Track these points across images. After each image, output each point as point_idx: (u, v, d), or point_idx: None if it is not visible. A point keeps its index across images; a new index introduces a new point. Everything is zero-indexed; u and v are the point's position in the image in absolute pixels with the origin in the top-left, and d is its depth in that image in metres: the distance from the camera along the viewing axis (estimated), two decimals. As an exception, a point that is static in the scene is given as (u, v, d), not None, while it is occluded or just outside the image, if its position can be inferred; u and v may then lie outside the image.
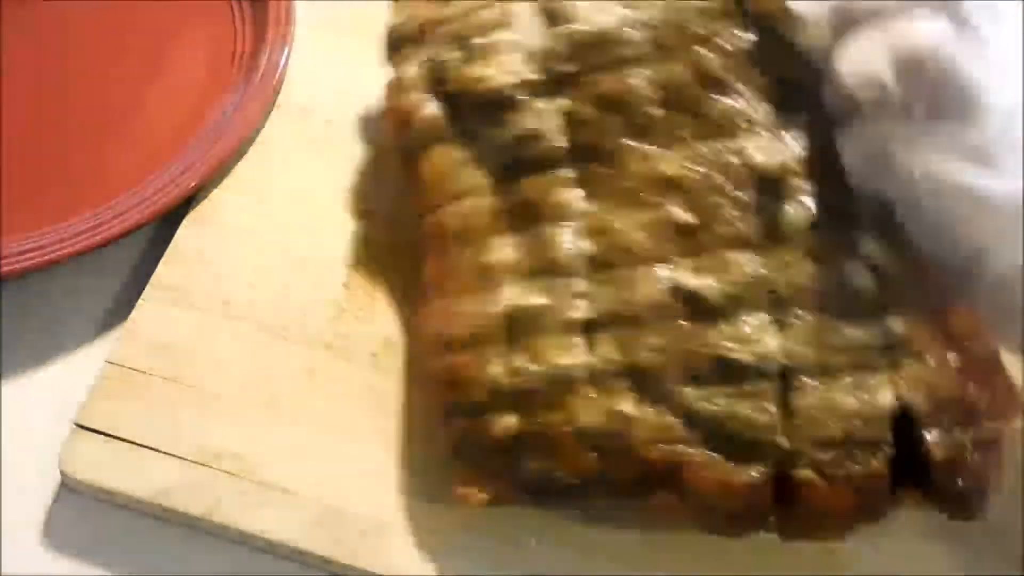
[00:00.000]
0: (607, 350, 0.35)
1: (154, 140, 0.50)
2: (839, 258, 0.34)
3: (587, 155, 0.37)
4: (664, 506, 0.35)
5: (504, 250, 0.37)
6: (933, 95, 0.31)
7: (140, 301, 0.43)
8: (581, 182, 0.37)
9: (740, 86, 0.36)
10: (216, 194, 0.47)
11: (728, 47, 0.36)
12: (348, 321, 0.44)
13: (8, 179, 0.48)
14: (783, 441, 0.33)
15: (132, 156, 0.49)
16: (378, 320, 0.44)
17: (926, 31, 0.31)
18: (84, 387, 0.41)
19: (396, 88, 0.42)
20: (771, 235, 0.35)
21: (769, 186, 0.35)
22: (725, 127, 0.36)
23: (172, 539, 0.40)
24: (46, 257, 0.44)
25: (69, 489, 0.40)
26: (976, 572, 0.40)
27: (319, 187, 0.48)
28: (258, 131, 0.49)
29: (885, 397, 0.33)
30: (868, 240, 0.35)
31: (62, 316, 0.46)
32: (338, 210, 0.47)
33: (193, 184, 0.46)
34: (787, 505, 0.34)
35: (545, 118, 0.38)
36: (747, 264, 0.34)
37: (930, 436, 0.33)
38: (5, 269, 0.43)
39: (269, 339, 0.43)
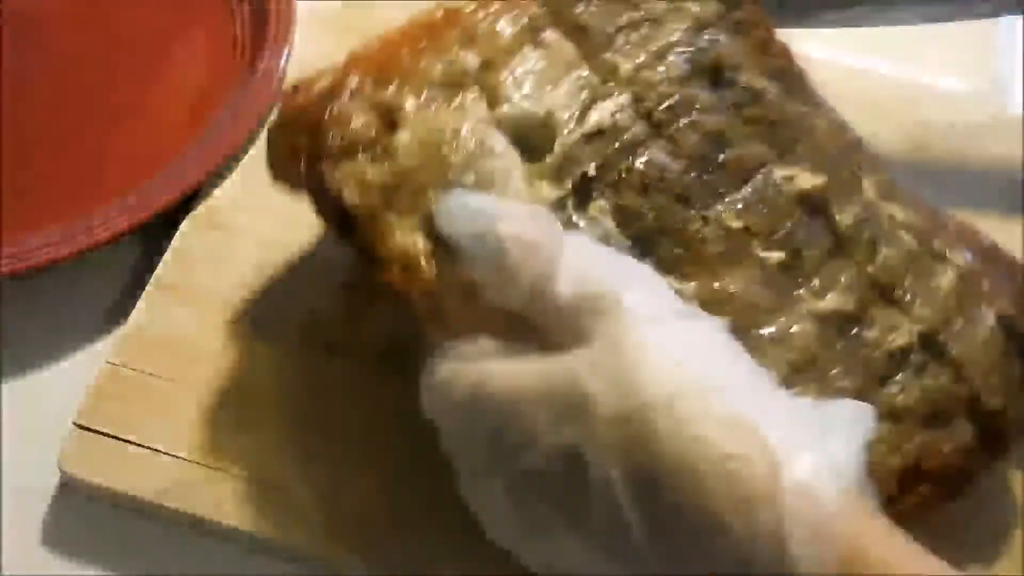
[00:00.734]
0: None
1: (154, 140, 0.50)
2: None
3: (654, 242, 0.37)
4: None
5: None
6: None
7: (140, 301, 0.43)
8: (666, 268, 0.36)
9: (740, 126, 0.38)
10: (216, 194, 0.47)
11: (709, 104, 0.38)
12: (348, 321, 0.44)
13: (8, 178, 0.48)
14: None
15: (132, 156, 0.49)
16: (378, 320, 0.44)
17: None
18: (84, 387, 0.41)
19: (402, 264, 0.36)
20: (838, 242, 0.38)
21: (816, 202, 0.38)
22: (751, 166, 0.38)
23: (172, 539, 0.40)
24: (46, 257, 0.44)
25: (69, 489, 0.40)
26: (976, 572, 0.40)
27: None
28: (258, 131, 0.49)
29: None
30: None
31: (62, 316, 0.46)
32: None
33: (193, 184, 0.46)
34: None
35: (595, 228, 0.36)
36: (844, 270, 0.37)
37: None
38: (5, 269, 0.43)
39: (269, 339, 0.43)
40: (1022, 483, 0.42)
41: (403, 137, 0.35)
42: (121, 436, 0.40)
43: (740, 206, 0.37)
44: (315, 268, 0.45)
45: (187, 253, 0.45)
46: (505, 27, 0.37)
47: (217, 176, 0.47)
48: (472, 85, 0.36)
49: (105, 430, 0.40)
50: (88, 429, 0.40)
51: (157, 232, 0.46)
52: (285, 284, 0.45)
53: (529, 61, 0.37)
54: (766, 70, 0.39)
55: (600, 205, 0.37)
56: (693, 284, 0.36)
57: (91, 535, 0.40)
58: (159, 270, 0.44)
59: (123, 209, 0.46)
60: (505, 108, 0.36)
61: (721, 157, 0.38)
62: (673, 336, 0.30)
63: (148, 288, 0.44)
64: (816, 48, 0.44)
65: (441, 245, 0.33)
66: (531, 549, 0.31)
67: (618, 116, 0.37)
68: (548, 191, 0.36)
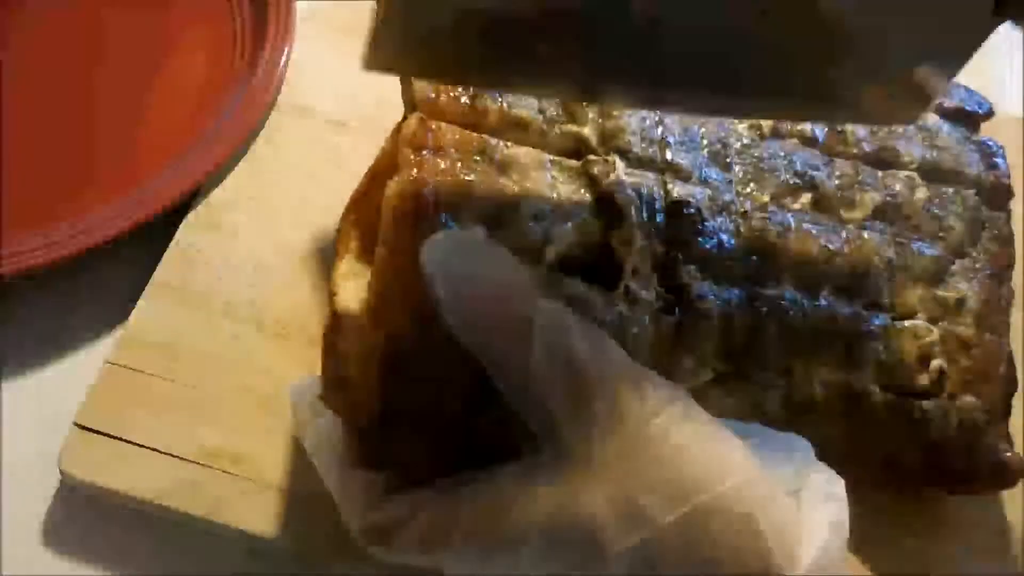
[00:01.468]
0: None
1: (154, 140, 0.50)
2: None
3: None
4: None
5: None
6: None
7: (140, 301, 0.43)
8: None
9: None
10: (216, 194, 0.47)
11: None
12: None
13: (9, 178, 0.48)
14: None
15: (132, 156, 0.49)
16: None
17: None
18: (84, 386, 0.41)
19: None
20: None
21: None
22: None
23: (172, 539, 0.40)
24: (46, 257, 0.44)
25: (69, 489, 0.40)
26: (976, 572, 0.40)
27: (319, 187, 0.48)
28: (258, 131, 0.49)
29: None
30: None
31: (62, 316, 0.46)
32: (338, 209, 0.47)
33: (193, 184, 0.46)
34: None
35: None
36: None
37: None
38: (6, 269, 0.43)
39: (269, 339, 0.43)
40: (1022, 482, 0.42)
41: None
42: (121, 436, 0.40)
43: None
44: (315, 267, 0.45)
45: (187, 253, 0.45)
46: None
47: (217, 176, 0.47)
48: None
49: (105, 430, 0.40)
50: (88, 429, 0.40)
51: (157, 232, 0.46)
52: (285, 284, 0.45)
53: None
54: None
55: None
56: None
57: (91, 535, 0.40)
58: (159, 270, 0.44)
59: (123, 209, 0.46)
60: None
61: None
62: (667, 436, 0.29)
63: (148, 288, 0.44)
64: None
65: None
66: None
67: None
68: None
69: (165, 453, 0.40)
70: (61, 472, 0.39)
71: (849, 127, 0.41)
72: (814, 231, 0.38)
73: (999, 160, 0.43)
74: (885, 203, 0.40)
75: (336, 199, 0.47)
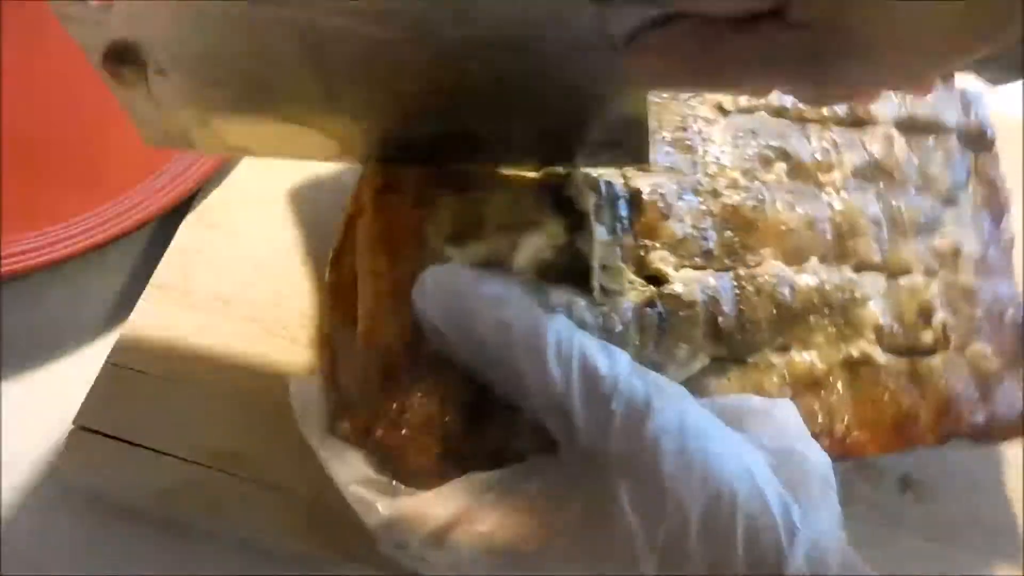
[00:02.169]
0: None
1: (154, 140, 0.50)
2: None
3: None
4: None
5: None
6: None
7: (140, 301, 0.43)
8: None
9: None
10: (216, 194, 0.47)
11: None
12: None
13: (8, 179, 0.48)
14: None
15: (132, 156, 0.49)
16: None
17: None
18: (84, 387, 0.41)
19: None
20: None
21: None
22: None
23: (172, 539, 0.40)
24: (46, 257, 0.44)
25: (69, 489, 0.40)
26: (976, 572, 0.40)
27: (319, 187, 0.48)
28: (258, 131, 0.49)
29: None
30: None
31: (62, 316, 0.46)
32: (338, 210, 0.47)
33: (193, 184, 0.46)
34: None
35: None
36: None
37: None
38: (5, 269, 0.43)
39: (269, 339, 0.43)
40: (1022, 482, 0.42)
41: None
42: (121, 436, 0.40)
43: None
44: (315, 267, 0.45)
45: (187, 253, 0.45)
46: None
47: (217, 176, 0.47)
48: None
49: (105, 430, 0.40)
50: (88, 429, 0.40)
51: (157, 232, 0.46)
52: (285, 284, 0.45)
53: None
54: None
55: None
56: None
57: (91, 535, 0.40)
58: (159, 270, 0.44)
59: (123, 209, 0.46)
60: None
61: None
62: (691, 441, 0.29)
63: (148, 288, 0.44)
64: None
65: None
66: None
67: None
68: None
69: (165, 453, 0.40)
70: (61, 472, 0.39)
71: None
72: (791, 200, 0.37)
73: (977, 106, 0.43)
74: (865, 162, 0.39)
75: (337, 198, 0.47)
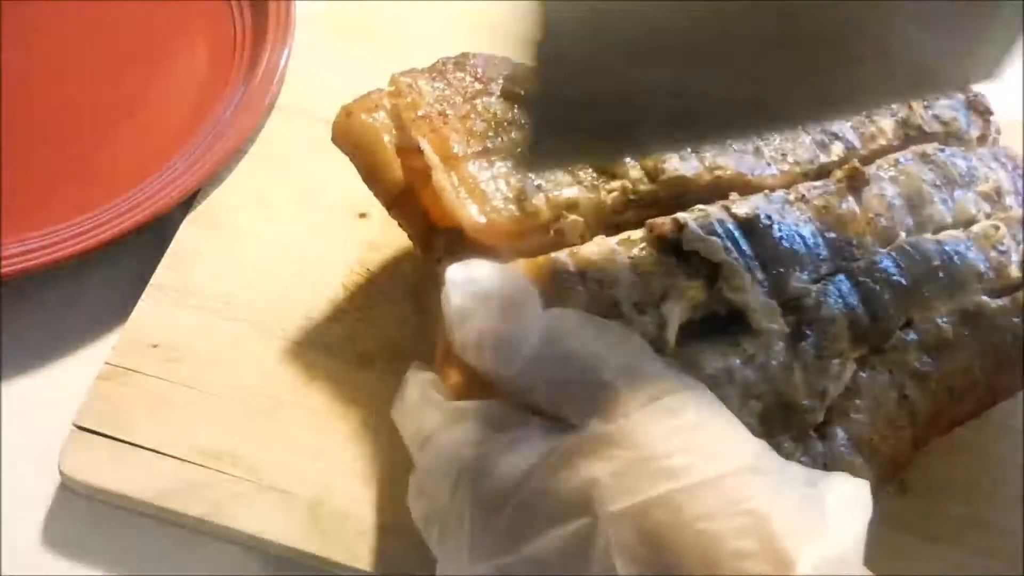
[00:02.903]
0: None
1: (154, 140, 0.50)
2: None
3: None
4: None
5: None
6: None
7: (140, 301, 0.43)
8: None
9: None
10: (216, 194, 0.47)
11: None
12: (348, 322, 0.44)
13: (9, 179, 0.48)
14: None
15: (132, 156, 0.49)
16: (377, 321, 0.44)
17: None
18: (84, 387, 0.41)
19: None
20: None
21: None
22: None
23: (171, 540, 0.40)
24: (46, 257, 0.44)
25: (69, 490, 0.40)
26: (976, 572, 0.40)
27: (319, 187, 0.48)
28: (258, 131, 0.49)
29: None
30: None
31: (62, 316, 0.46)
32: (338, 210, 0.47)
33: (193, 184, 0.46)
34: None
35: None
36: None
37: None
38: (5, 269, 0.43)
39: (269, 339, 0.43)
40: (1022, 482, 0.42)
41: None
42: (121, 437, 0.40)
43: None
44: (315, 268, 0.45)
45: (187, 253, 0.45)
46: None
47: (217, 176, 0.47)
48: None
49: (105, 431, 0.40)
50: (88, 430, 0.40)
51: (157, 232, 0.46)
52: (285, 284, 0.45)
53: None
54: None
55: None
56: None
57: (91, 535, 0.40)
58: (159, 270, 0.44)
59: (123, 209, 0.46)
60: None
61: None
62: (676, 415, 0.29)
63: (148, 288, 0.44)
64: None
65: None
66: None
67: None
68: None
69: (164, 454, 0.40)
70: (61, 473, 0.39)
71: None
72: (860, 183, 0.39)
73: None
74: (896, 123, 0.42)
75: (336, 199, 0.47)
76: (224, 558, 0.39)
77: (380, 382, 0.42)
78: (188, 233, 0.46)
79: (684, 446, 0.28)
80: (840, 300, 0.37)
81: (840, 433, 0.36)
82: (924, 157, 0.41)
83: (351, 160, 0.39)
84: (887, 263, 0.38)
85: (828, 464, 0.35)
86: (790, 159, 0.39)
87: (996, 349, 0.39)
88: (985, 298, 0.39)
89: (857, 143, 0.41)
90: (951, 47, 0.31)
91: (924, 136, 0.43)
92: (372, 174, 0.39)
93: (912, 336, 0.38)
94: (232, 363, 0.42)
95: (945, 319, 0.38)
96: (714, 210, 0.36)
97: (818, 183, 0.38)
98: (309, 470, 0.40)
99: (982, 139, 0.45)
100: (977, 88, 0.45)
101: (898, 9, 0.29)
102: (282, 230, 0.46)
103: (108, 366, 0.42)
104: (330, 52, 0.53)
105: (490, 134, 0.37)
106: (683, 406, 0.29)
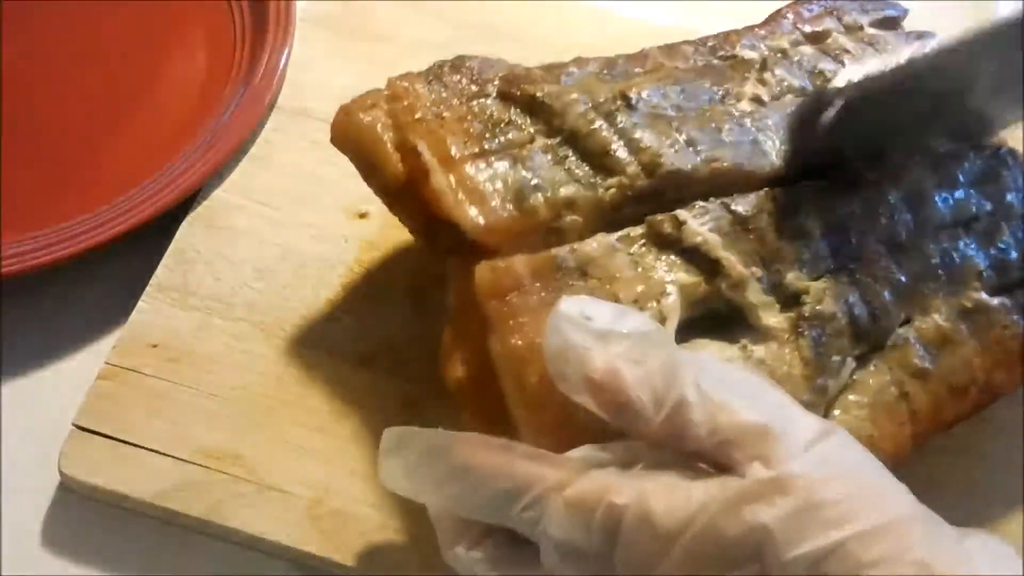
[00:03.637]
0: None
1: (154, 140, 0.50)
2: None
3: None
4: None
5: None
6: None
7: (140, 301, 0.43)
8: None
9: None
10: (216, 194, 0.47)
11: None
12: (348, 322, 0.44)
13: (8, 179, 0.48)
14: None
15: (132, 156, 0.49)
16: (376, 321, 0.44)
17: None
18: (84, 387, 0.41)
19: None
20: None
21: None
22: None
23: (171, 540, 0.40)
24: (46, 257, 0.44)
25: (69, 490, 0.40)
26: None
27: (319, 187, 0.48)
28: (258, 131, 0.49)
29: None
30: None
31: (62, 316, 0.46)
32: (338, 210, 0.47)
33: (193, 184, 0.46)
34: None
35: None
36: None
37: None
38: (5, 269, 0.43)
39: (269, 340, 0.43)
40: (1022, 481, 0.42)
41: None
42: (120, 437, 0.40)
43: None
44: (315, 268, 0.45)
45: (187, 253, 0.45)
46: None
47: (217, 176, 0.47)
48: None
49: (104, 431, 0.40)
50: (87, 430, 0.40)
51: (157, 232, 0.46)
52: (285, 284, 0.45)
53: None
54: None
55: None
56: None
57: (91, 535, 0.40)
58: (159, 270, 0.44)
59: (123, 209, 0.46)
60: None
61: None
62: (835, 461, 0.29)
63: (148, 288, 0.44)
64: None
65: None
66: None
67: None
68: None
69: (164, 454, 0.40)
70: (61, 473, 0.39)
71: (826, 65, 0.43)
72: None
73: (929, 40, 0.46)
74: None
75: (336, 199, 0.47)
76: (224, 558, 0.39)
77: (380, 382, 0.42)
78: (188, 233, 0.46)
79: (848, 492, 0.28)
80: (839, 298, 0.37)
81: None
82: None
83: (351, 159, 0.39)
84: (887, 261, 0.38)
85: None
86: (786, 149, 0.39)
87: (995, 347, 0.39)
88: (984, 296, 0.39)
89: None
90: None
91: None
92: (372, 171, 0.39)
93: (912, 334, 0.38)
94: (232, 363, 0.42)
95: (944, 317, 0.38)
96: (713, 206, 0.37)
97: (818, 182, 0.39)
98: (309, 470, 0.40)
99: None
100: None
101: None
102: (282, 230, 0.46)
103: (108, 366, 0.42)
104: (330, 52, 0.53)
105: (487, 135, 0.37)
106: (839, 451, 0.29)
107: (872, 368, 0.37)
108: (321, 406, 0.41)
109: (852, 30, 0.45)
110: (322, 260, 0.45)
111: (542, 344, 0.32)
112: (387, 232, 0.46)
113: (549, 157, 0.37)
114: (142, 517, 0.40)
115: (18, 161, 0.49)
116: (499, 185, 0.36)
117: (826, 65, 0.43)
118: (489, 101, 0.38)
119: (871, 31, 0.46)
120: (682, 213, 0.36)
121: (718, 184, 0.37)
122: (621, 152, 0.37)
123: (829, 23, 0.45)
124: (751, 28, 0.44)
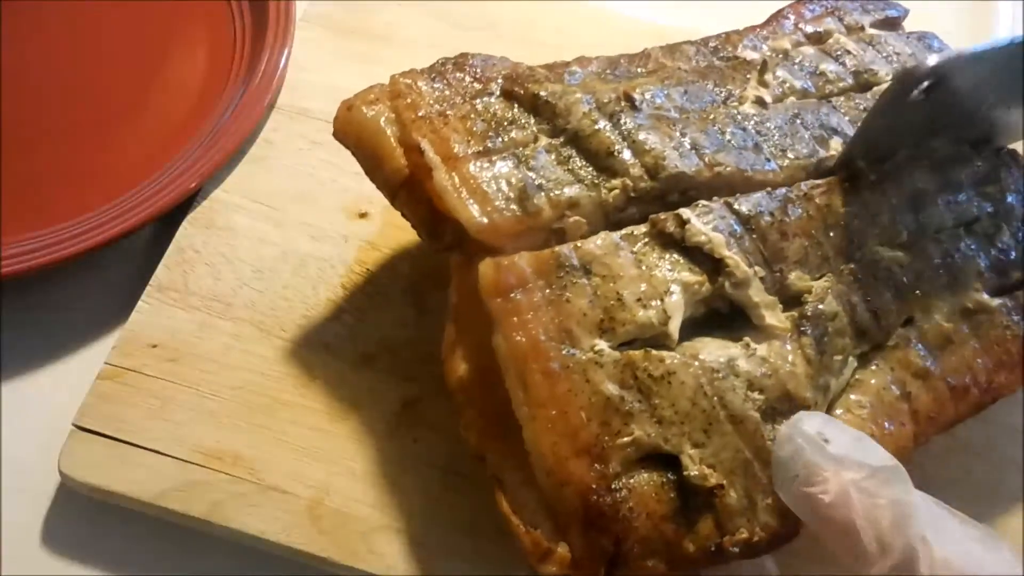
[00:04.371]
0: None
1: (154, 140, 0.50)
2: None
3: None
4: None
5: None
6: None
7: (140, 302, 0.43)
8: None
9: None
10: (216, 194, 0.47)
11: None
12: (348, 322, 0.44)
13: (9, 179, 0.48)
14: None
15: (132, 156, 0.49)
16: (376, 321, 0.44)
17: None
18: (84, 387, 0.41)
19: None
20: None
21: None
22: None
23: (171, 540, 0.40)
24: (46, 257, 0.44)
25: (69, 490, 0.40)
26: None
27: (319, 187, 0.48)
28: (258, 131, 0.49)
29: None
30: None
31: (62, 316, 0.46)
32: (338, 210, 0.47)
33: (193, 184, 0.46)
34: None
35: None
36: None
37: None
38: (5, 269, 0.43)
39: (268, 340, 0.43)
40: (1022, 481, 0.42)
41: None
42: (120, 437, 0.40)
43: None
44: (315, 268, 0.45)
45: (187, 253, 0.45)
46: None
47: (217, 176, 0.47)
48: None
49: (104, 431, 0.40)
50: (87, 430, 0.40)
51: (157, 232, 0.46)
52: (285, 284, 0.45)
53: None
54: None
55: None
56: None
57: (91, 535, 0.40)
58: (159, 271, 0.44)
59: (123, 209, 0.46)
60: None
61: None
62: None
63: (148, 288, 0.44)
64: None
65: None
66: None
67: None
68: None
69: (164, 454, 0.40)
70: (61, 473, 0.39)
71: (827, 66, 0.43)
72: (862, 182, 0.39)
73: (940, 44, 0.46)
74: None
75: (336, 199, 0.47)
76: (224, 558, 0.39)
77: (380, 382, 0.42)
78: (188, 233, 0.46)
79: None
80: (841, 297, 0.37)
81: None
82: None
83: (353, 153, 0.39)
84: (888, 261, 0.38)
85: None
86: (790, 154, 0.39)
87: (996, 348, 0.39)
88: (986, 296, 0.39)
89: None
90: None
91: None
92: (374, 165, 0.38)
93: (913, 333, 0.38)
94: (232, 363, 0.42)
95: (946, 317, 0.38)
96: (716, 206, 0.37)
97: (821, 181, 0.38)
98: (309, 470, 0.40)
99: None
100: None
101: None
102: (282, 230, 0.46)
103: (108, 366, 0.42)
104: (330, 52, 0.53)
105: (490, 134, 0.37)
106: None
107: (874, 368, 0.37)
108: (321, 406, 0.41)
109: (853, 30, 0.45)
110: (322, 260, 0.45)
111: (545, 342, 0.32)
112: (387, 232, 0.46)
113: (553, 157, 0.37)
114: (142, 517, 0.40)
115: (18, 161, 0.49)
116: (503, 184, 0.36)
117: (828, 66, 0.43)
118: (492, 99, 0.38)
119: (872, 31, 0.46)
120: (685, 212, 0.36)
121: (721, 188, 0.37)
122: (625, 153, 0.37)
123: (830, 23, 0.45)
124: (753, 28, 0.44)
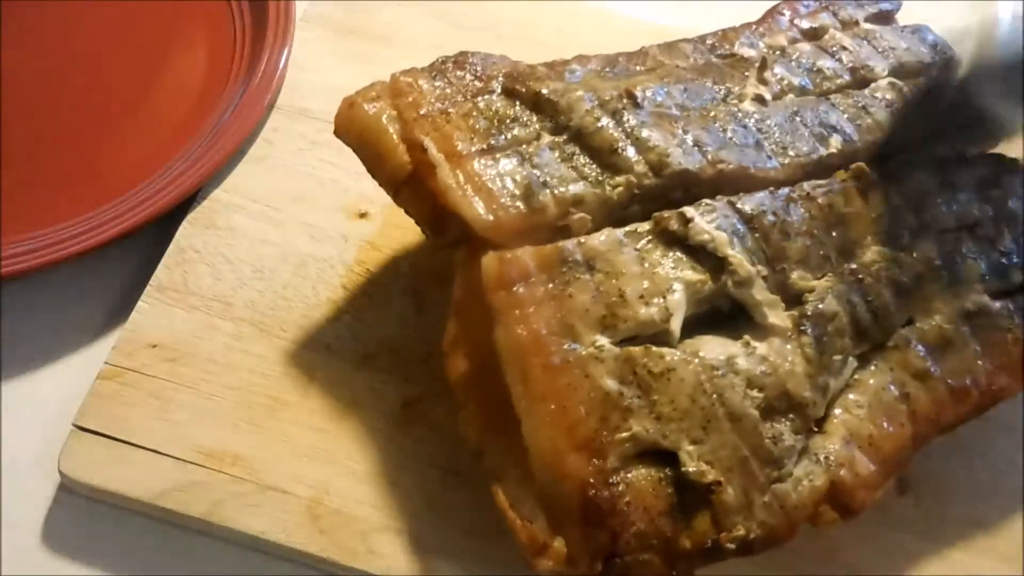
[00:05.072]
0: None
1: (154, 140, 0.50)
2: None
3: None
4: None
5: None
6: None
7: (140, 302, 0.43)
8: None
9: None
10: (216, 194, 0.47)
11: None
12: (348, 322, 0.44)
13: (8, 179, 0.48)
14: None
15: (132, 156, 0.49)
16: (376, 321, 0.44)
17: None
18: (84, 387, 0.41)
19: None
20: None
21: None
22: None
23: (171, 540, 0.40)
24: (46, 257, 0.44)
25: (68, 490, 0.40)
26: (976, 572, 0.40)
27: (319, 187, 0.48)
28: (258, 131, 0.49)
29: None
30: None
31: (62, 316, 0.46)
32: (338, 210, 0.47)
33: (193, 184, 0.46)
34: None
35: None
36: None
37: None
38: (5, 269, 0.43)
39: (268, 340, 0.43)
40: (1022, 482, 0.42)
41: None
42: (120, 437, 0.40)
43: None
44: (315, 268, 0.45)
45: (187, 253, 0.45)
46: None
47: (217, 176, 0.47)
48: None
49: (104, 431, 0.40)
50: (87, 430, 0.40)
51: (157, 232, 0.46)
52: (285, 284, 0.45)
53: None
54: None
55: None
56: None
57: (91, 535, 0.40)
58: (159, 270, 0.44)
59: (123, 209, 0.46)
60: None
61: None
62: None
63: (148, 288, 0.44)
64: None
65: None
66: None
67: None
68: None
69: (164, 454, 0.40)
70: (61, 473, 0.39)
71: (824, 63, 0.43)
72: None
73: (934, 38, 0.46)
74: (891, 115, 0.42)
75: (336, 199, 0.47)
76: (224, 558, 0.39)
77: (380, 382, 0.42)
78: (188, 233, 0.46)
79: None
80: (842, 297, 0.37)
81: (841, 428, 0.36)
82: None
83: (354, 150, 0.39)
84: (889, 262, 0.38)
85: (828, 457, 0.35)
86: (791, 152, 0.39)
87: (997, 350, 0.39)
88: (986, 299, 0.39)
89: (855, 136, 0.40)
90: None
91: None
92: (376, 163, 0.38)
93: (913, 334, 0.38)
94: (232, 363, 0.42)
95: (946, 319, 0.38)
96: (720, 205, 0.37)
97: (823, 182, 0.39)
98: (309, 470, 0.40)
99: None
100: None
101: None
102: (282, 230, 0.46)
103: (108, 366, 0.42)
104: (330, 52, 0.53)
105: (493, 132, 0.37)
106: None
107: (873, 368, 0.37)
108: (321, 406, 0.41)
109: (848, 25, 0.45)
110: (322, 260, 0.45)
111: (547, 336, 0.32)
112: (387, 232, 0.46)
113: (556, 154, 0.37)
114: (142, 517, 0.40)
115: (18, 161, 0.49)
116: (508, 182, 0.36)
117: (825, 63, 0.43)
118: (493, 97, 0.38)
119: (866, 26, 0.46)
120: (689, 210, 0.36)
121: (723, 185, 0.38)
122: (629, 150, 0.37)
123: (825, 19, 0.45)
124: (748, 25, 0.44)
